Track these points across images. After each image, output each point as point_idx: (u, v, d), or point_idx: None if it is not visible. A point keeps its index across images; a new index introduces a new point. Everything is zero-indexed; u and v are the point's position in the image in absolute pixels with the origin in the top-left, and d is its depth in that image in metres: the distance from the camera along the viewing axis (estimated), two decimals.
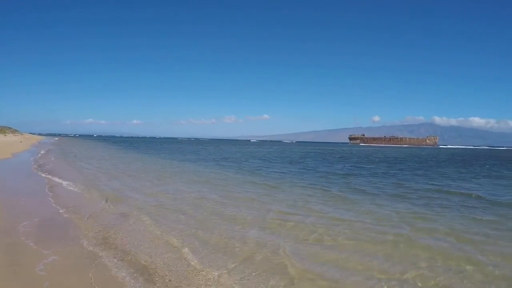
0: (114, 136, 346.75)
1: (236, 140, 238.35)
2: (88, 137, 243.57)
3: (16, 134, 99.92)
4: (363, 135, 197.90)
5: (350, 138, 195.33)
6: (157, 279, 5.63)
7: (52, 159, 29.45)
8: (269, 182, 17.87)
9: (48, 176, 17.56)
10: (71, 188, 14.31)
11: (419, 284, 5.69)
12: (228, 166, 28.18)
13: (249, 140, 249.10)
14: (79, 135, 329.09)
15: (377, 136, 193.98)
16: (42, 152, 37.64)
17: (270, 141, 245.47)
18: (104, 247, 6.99)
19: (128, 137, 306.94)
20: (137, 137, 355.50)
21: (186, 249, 6.97)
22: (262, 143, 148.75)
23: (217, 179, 19.15)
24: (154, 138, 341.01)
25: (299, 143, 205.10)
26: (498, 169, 32.11)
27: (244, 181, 18.60)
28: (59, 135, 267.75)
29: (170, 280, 5.59)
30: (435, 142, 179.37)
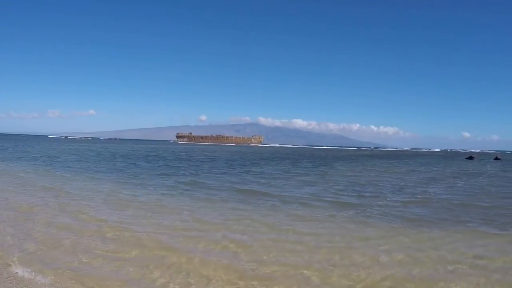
0: None
1: (54, 137, 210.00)
2: None
3: None
4: (191, 133, 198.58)
5: (178, 136, 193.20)
6: None
7: None
8: None
9: None
10: None
11: None
12: None
13: (62, 137, 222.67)
14: None
15: (204, 134, 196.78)
16: None
17: (84, 138, 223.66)
18: None
19: None
20: None
21: None
22: (68, 141, 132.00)
23: None
24: None
25: (123, 140, 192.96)
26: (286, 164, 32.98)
27: None
28: None
29: None
30: (260, 141, 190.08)
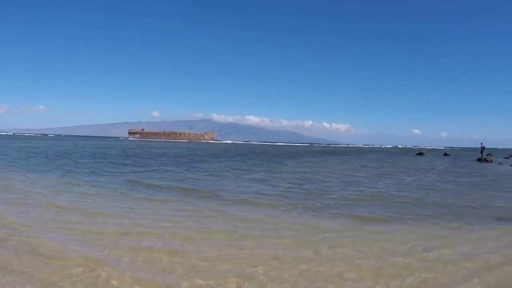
0: None
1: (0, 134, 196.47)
2: None
3: None
4: (143, 129, 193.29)
5: (130, 133, 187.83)
6: None
7: None
8: None
9: None
10: None
11: None
12: None
13: (10, 134, 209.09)
14: None
15: (157, 131, 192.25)
16: None
17: (34, 135, 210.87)
18: None
19: None
20: None
21: None
22: (14, 138, 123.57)
23: None
24: None
25: (72, 137, 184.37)
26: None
27: None
28: None
29: None
30: (213, 137, 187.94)
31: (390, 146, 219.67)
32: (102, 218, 8.59)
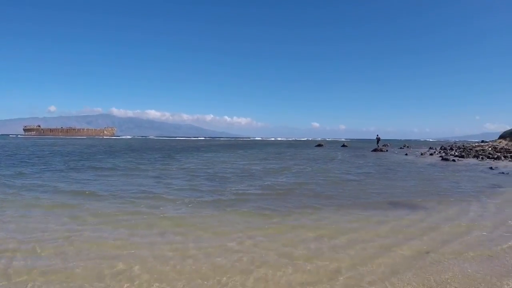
0: None
1: None
2: None
3: None
4: (39, 126, 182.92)
5: (25, 130, 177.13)
6: None
7: None
8: None
9: None
10: None
11: None
12: None
13: None
14: None
15: (54, 127, 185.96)
16: None
17: None
18: None
19: None
20: None
21: None
22: None
23: None
24: None
25: None
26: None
27: None
28: None
29: None
30: (113, 133, 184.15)
31: (292, 139, 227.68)
32: None
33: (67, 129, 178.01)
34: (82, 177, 14.92)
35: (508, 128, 44.32)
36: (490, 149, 33.58)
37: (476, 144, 42.88)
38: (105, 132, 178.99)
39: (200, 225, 7.34)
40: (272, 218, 8.07)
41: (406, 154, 35.24)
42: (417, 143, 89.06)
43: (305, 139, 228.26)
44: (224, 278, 4.70)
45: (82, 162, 22.97)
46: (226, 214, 8.43)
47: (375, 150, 42.88)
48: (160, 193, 11.09)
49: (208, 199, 10.27)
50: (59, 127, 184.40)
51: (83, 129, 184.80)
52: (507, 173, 17.59)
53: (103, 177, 15.10)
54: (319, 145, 64.27)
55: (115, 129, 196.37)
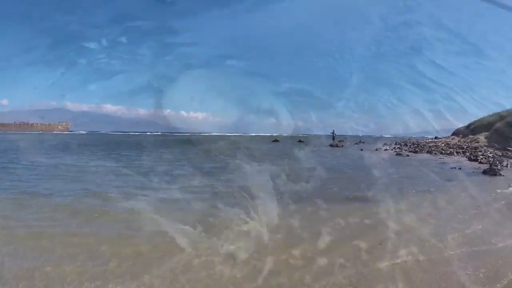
0: None
1: None
2: None
3: None
4: None
5: None
6: None
7: None
8: None
9: None
10: None
11: None
12: None
13: None
14: None
15: (6, 122, 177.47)
16: None
17: None
18: None
19: None
20: None
21: None
22: None
23: None
24: None
25: None
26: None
27: None
28: None
29: None
30: (67, 128, 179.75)
31: (252, 134, 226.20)
32: None
33: (20, 124, 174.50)
34: None
35: (460, 126, 46.08)
36: (443, 145, 34.76)
37: (429, 140, 44.34)
38: (59, 126, 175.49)
39: None
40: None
41: (362, 150, 35.92)
42: (372, 139, 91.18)
43: (264, 134, 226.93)
44: None
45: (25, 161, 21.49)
46: None
47: (331, 145, 43.46)
48: None
49: None
50: (12, 122, 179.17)
51: (37, 124, 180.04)
52: (459, 168, 18.37)
53: None
54: (276, 140, 64.82)
55: (70, 123, 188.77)
